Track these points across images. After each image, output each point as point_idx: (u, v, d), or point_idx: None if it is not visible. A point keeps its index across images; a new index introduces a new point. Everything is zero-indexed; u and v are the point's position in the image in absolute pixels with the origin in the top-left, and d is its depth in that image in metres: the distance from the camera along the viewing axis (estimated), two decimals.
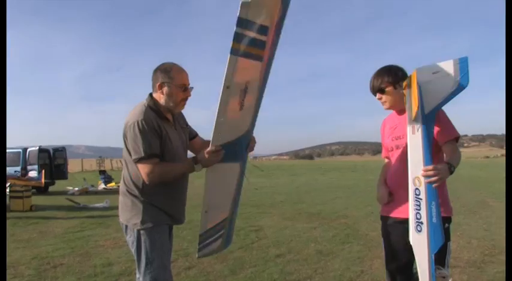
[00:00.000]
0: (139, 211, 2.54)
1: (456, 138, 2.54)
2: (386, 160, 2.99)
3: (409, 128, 2.29)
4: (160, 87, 2.53)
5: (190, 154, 2.89)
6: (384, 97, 2.68)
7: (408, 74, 2.56)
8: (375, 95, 2.73)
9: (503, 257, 5.26)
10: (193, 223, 8.20)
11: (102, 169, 28.10)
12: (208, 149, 2.41)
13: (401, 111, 2.70)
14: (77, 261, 5.40)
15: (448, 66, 2.21)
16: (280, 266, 5.01)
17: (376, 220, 7.63)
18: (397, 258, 2.59)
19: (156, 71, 2.58)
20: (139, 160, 2.42)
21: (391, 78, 2.64)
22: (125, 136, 2.50)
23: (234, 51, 2.00)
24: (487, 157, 72.85)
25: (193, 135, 2.98)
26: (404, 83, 2.36)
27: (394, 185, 2.70)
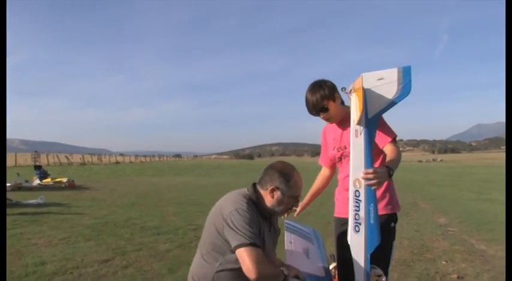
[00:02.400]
0: None
1: (394, 138, 2.67)
2: (324, 167, 3.15)
3: (352, 131, 2.35)
4: (273, 191, 2.34)
5: None
6: (328, 114, 2.75)
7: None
8: (317, 115, 2.79)
9: (430, 256, 5.58)
10: (131, 221, 8.11)
11: (37, 164, 26.89)
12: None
13: (341, 121, 2.80)
14: (8, 261, 5.15)
15: (392, 74, 2.28)
16: None
17: (315, 219, 7.84)
18: (348, 257, 2.63)
19: (274, 169, 2.40)
20: (245, 245, 2.08)
21: (327, 93, 2.70)
22: (222, 226, 2.21)
23: None
24: (420, 161, 76.07)
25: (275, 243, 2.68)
26: (350, 88, 2.42)
27: (348, 189, 2.79)
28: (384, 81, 2.29)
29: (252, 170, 36.37)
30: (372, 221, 2.30)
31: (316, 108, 2.73)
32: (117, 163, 54.27)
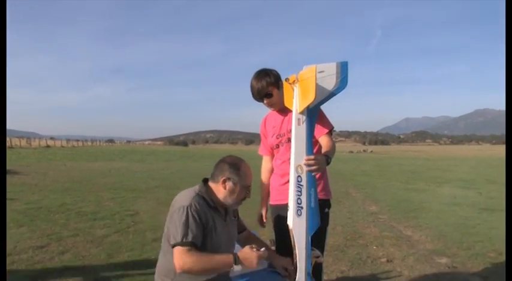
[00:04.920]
0: None
1: (330, 130, 2.88)
2: (264, 157, 3.26)
3: (294, 120, 2.48)
4: (225, 182, 2.44)
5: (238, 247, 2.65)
6: (272, 100, 2.91)
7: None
8: (261, 101, 2.94)
9: (362, 241, 5.87)
10: (65, 206, 7.96)
11: None
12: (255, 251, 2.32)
13: (282, 110, 2.95)
14: None
15: (332, 67, 2.44)
16: (158, 250, 5.01)
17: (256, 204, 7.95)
18: (286, 240, 2.76)
19: (223, 162, 2.51)
20: (175, 245, 2.24)
21: (273, 80, 2.87)
22: (169, 220, 2.36)
23: None
24: (351, 152, 78.55)
25: (242, 229, 2.84)
26: (293, 79, 2.55)
27: (284, 174, 2.94)
28: (324, 74, 2.43)
29: (186, 157, 36.26)
30: (312, 205, 2.46)
31: (261, 94, 2.88)
32: (48, 146, 52.21)
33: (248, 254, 2.30)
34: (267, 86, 2.86)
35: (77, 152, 39.03)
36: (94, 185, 11.68)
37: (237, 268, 2.35)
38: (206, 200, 2.40)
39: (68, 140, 75.27)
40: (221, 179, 2.43)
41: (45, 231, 5.85)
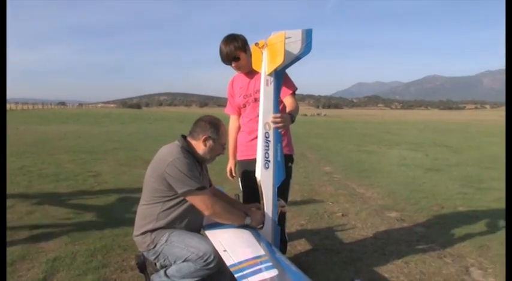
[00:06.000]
0: None
1: (294, 91, 3.15)
2: (232, 116, 3.47)
3: (263, 81, 2.71)
4: (206, 140, 2.66)
5: None
6: (239, 64, 3.12)
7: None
8: (230, 64, 3.15)
9: (318, 198, 6.25)
10: (26, 168, 7.96)
11: None
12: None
13: (249, 72, 3.16)
14: None
15: (297, 34, 2.67)
16: (125, 208, 5.20)
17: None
18: (252, 186, 2.99)
19: (204, 122, 2.71)
20: (193, 191, 2.49)
21: (240, 44, 3.08)
22: (162, 176, 2.50)
23: None
24: (305, 115, 79.50)
25: (209, 184, 2.99)
26: (262, 43, 2.75)
27: (251, 131, 3.18)
28: (291, 40, 2.66)
29: (141, 119, 35.87)
30: (279, 159, 2.73)
31: (230, 57, 3.09)
32: None
33: (256, 212, 2.71)
34: (235, 50, 3.07)
35: (29, 115, 37.88)
36: (51, 148, 11.53)
37: (247, 221, 2.65)
38: (190, 153, 2.63)
39: (16, 103, 72.56)
40: (202, 137, 2.66)
41: (9, 192, 5.86)
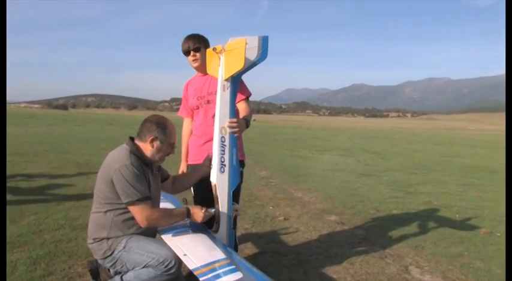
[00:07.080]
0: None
1: (248, 96, 3.19)
2: (185, 119, 3.46)
3: (219, 86, 2.73)
4: (153, 140, 2.59)
5: None
6: (198, 55, 3.14)
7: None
8: (188, 54, 3.16)
9: (259, 202, 6.33)
10: None
11: None
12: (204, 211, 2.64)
13: (204, 74, 3.20)
14: None
15: (254, 40, 2.71)
16: (64, 213, 5.00)
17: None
18: (207, 198, 2.96)
19: (150, 122, 2.63)
20: (134, 202, 2.43)
21: (202, 41, 3.15)
22: (110, 182, 2.46)
23: None
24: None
25: (166, 176, 2.94)
26: (220, 48, 2.78)
27: (202, 135, 3.19)
28: (249, 46, 2.70)
29: (69, 121, 34.57)
30: (234, 163, 2.76)
31: (191, 47, 3.13)
32: None
33: (197, 209, 2.64)
34: (199, 42, 3.13)
35: None
36: None
37: (187, 220, 2.66)
38: (139, 158, 2.56)
39: None
40: (149, 139, 2.59)
41: None
